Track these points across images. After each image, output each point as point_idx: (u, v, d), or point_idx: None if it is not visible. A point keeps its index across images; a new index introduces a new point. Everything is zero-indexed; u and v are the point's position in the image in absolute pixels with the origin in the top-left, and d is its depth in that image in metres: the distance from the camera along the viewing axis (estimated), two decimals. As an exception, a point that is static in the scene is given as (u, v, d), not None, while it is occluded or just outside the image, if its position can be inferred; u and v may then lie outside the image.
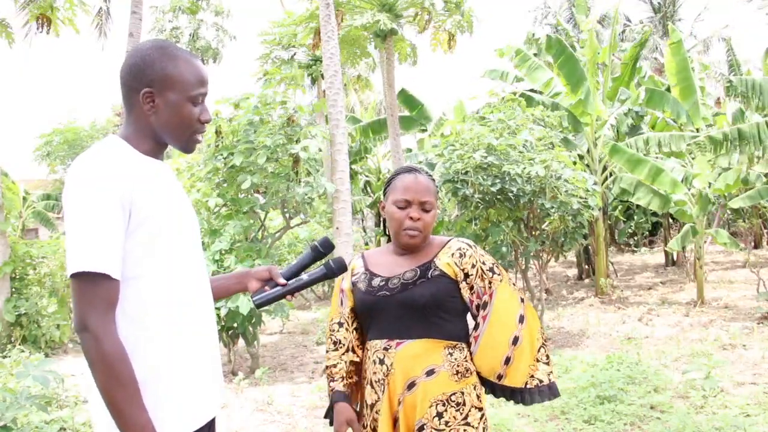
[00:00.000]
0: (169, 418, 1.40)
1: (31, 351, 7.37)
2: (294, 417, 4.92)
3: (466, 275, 1.88)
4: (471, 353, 1.90)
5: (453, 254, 1.90)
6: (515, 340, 1.83)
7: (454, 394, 1.82)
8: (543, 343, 1.89)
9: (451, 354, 1.85)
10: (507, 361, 1.83)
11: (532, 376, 1.84)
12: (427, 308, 1.85)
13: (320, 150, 6.99)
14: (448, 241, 1.96)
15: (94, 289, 1.33)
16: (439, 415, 1.80)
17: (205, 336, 1.54)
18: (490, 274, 1.88)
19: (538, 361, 1.86)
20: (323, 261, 1.81)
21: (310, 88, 15.03)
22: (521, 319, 1.86)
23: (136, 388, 1.34)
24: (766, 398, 4.55)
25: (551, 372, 1.87)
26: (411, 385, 1.83)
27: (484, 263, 1.90)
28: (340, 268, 1.78)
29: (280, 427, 4.72)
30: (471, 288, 1.88)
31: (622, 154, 9.35)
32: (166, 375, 1.42)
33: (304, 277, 1.72)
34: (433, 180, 1.99)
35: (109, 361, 1.31)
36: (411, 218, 1.89)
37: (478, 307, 1.89)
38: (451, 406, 1.81)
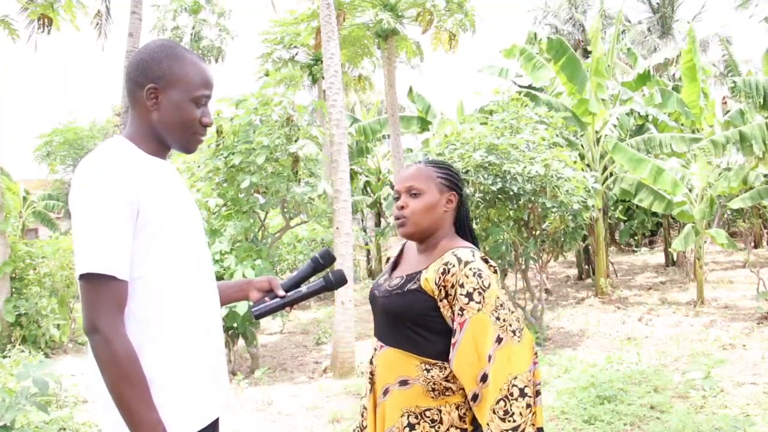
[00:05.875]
0: (174, 418, 1.40)
1: (31, 351, 7.37)
2: (294, 417, 4.92)
3: (447, 294, 1.67)
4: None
5: (439, 268, 1.69)
6: (484, 378, 1.61)
7: (429, 410, 1.68)
8: (509, 396, 1.59)
9: (428, 371, 1.69)
10: (475, 398, 1.62)
11: (488, 425, 1.61)
12: (399, 321, 1.74)
13: (320, 150, 6.99)
14: (452, 249, 1.74)
15: (103, 291, 1.33)
16: (411, 427, 1.68)
17: (210, 336, 1.54)
18: (465, 300, 1.63)
19: (494, 412, 1.59)
20: (323, 273, 1.82)
21: (310, 88, 15.04)
22: (490, 359, 1.61)
23: (147, 387, 1.35)
24: (766, 398, 4.55)
25: (508, 431, 1.58)
26: (385, 392, 1.75)
27: (462, 285, 1.64)
28: (340, 280, 1.77)
29: (280, 427, 4.72)
30: (451, 308, 1.67)
31: (623, 153, 9.35)
32: (171, 375, 1.42)
33: (304, 288, 1.74)
34: (442, 167, 1.82)
35: (120, 362, 1.32)
36: (397, 207, 1.80)
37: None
38: (425, 421, 1.68)
